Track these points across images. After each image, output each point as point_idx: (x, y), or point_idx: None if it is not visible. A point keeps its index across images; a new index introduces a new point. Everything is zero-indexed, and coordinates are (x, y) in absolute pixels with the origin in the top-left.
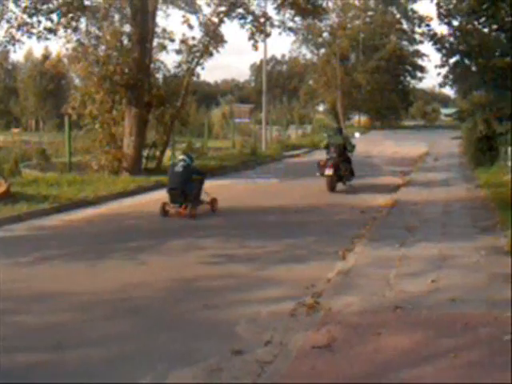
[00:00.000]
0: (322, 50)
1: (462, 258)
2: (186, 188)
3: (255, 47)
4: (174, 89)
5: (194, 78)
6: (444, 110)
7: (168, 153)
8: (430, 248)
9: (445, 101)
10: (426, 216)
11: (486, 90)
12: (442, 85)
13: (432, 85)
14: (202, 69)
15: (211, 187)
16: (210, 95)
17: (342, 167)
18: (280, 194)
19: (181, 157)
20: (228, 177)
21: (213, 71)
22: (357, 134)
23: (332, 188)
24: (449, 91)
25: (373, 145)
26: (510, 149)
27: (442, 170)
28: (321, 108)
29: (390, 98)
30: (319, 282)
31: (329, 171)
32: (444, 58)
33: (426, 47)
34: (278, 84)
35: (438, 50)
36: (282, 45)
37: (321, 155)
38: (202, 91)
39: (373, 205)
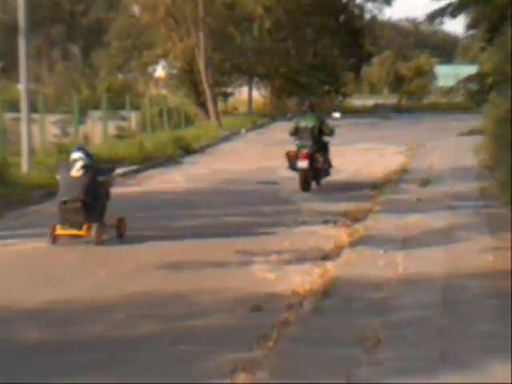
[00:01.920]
0: None
1: None
2: (90, 199)
3: None
4: None
5: None
6: (443, 68)
7: None
8: None
9: (446, 47)
10: (402, 314)
11: None
12: (429, 17)
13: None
14: None
15: None
16: None
17: (320, 158)
18: (66, 276)
19: (76, 154)
20: None
21: None
22: (336, 114)
23: (307, 187)
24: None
25: (279, 153)
26: None
27: (436, 208)
28: (160, 72)
29: (319, 47)
30: None
31: (302, 163)
32: None
33: None
34: (58, 14)
35: None
36: None
37: (168, 177)
38: None
39: (278, 291)
